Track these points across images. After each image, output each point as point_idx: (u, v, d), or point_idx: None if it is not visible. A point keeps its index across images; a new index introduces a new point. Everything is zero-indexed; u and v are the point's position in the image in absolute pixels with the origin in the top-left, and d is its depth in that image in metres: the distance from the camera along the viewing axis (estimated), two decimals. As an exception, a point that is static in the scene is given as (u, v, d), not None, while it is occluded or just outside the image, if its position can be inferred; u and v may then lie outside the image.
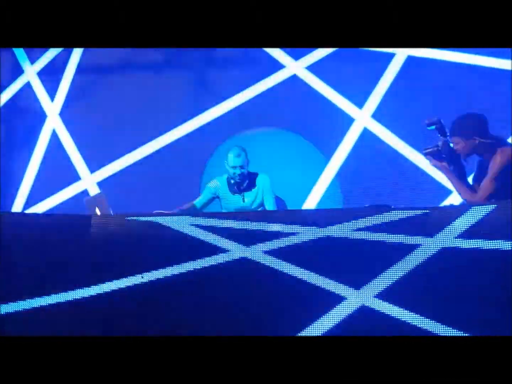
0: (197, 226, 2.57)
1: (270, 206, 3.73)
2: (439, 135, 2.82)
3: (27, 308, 2.49)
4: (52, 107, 5.00)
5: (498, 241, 2.35)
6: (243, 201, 3.67)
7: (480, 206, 2.47)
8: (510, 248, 2.33)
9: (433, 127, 2.82)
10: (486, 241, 2.36)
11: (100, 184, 4.82)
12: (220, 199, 3.75)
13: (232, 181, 3.69)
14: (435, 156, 2.84)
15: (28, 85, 5.10)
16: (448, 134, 2.84)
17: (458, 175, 2.84)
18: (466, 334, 2.25)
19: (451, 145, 2.84)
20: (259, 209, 3.69)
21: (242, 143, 3.96)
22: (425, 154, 2.90)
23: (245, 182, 3.68)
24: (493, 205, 2.45)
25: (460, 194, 2.85)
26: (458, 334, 2.26)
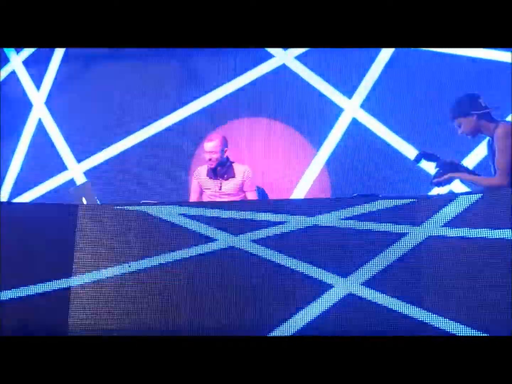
0: (185, 215, 2.56)
1: (250, 196, 3.74)
2: (432, 162, 2.92)
3: (13, 297, 2.47)
4: (38, 96, 4.94)
5: (484, 229, 2.37)
6: (220, 188, 3.68)
7: (467, 195, 2.49)
8: (495, 237, 2.35)
9: (422, 160, 2.93)
10: (472, 230, 2.38)
11: (86, 173, 4.78)
12: (201, 184, 3.78)
13: (208, 167, 3.73)
14: (443, 180, 2.90)
15: (13, 74, 5.03)
16: (438, 156, 2.94)
17: (467, 175, 2.90)
18: (453, 321, 2.27)
19: (446, 159, 2.94)
20: (236, 198, 3.69)
21: (231, 133, 3.94)
22: (436, 184, 2.95)
23: (220, 169, 3.70)
24: (479, 194, 2.47)
25: (482, 186, 2.88)
26: (444, 321, 2.28)
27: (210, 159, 3.68)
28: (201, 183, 3.78)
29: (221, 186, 3.69)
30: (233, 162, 3.79)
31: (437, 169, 2.90)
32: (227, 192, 3.70)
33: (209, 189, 3.74)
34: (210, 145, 3.70)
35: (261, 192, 3.95)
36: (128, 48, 3.84)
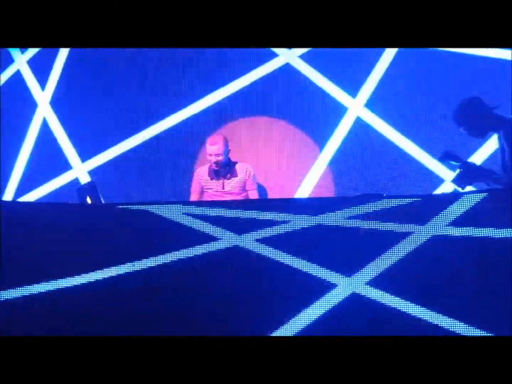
0: (189, 214, 2.56)
1: (252, 195, 3.77)
2: (455, 162, 3.03)
3: (17, 296, 2.48)
4: (42, 96, 4.96)
5: (488, 228, 2.36)
6: (223, 188, 3.71)
7: (471, 194, 2.48)
8: (500, 236, 2.34)
9: (446, 160, 3.06)
10: (477, 229, 2.37)
11: (91, 173, 4.79)
12: (203, 185, 3.79)
13: (211, 168, 3.75)
14: (464, 179, 2.99)
15: (18, 74, 5.05)
16: (461, 157, 3.04)
17: (489, 175, 2.99)
18: (457, 321, 2.26)
19: (469, 161, 3.06)
20: (239, 197, 3.71)
21: (234, 132, 3.95)
22: (457, 184, 3.04)
23: (223, 169, 3.72)
24: (484, 193, 2.46)
25: (501, 184, 2.93)
26: (449, 321, 2.27)
27: (216, 162, 3.69)
28: (202, 184, 3.80)
29: (223, 186, 3.71)
30: (235, 162, 3.80)
31: (460, 169, 2.99)
32: (230, 191, 3.72)
33: (211, 188, 3.75)
34: (214, 148, 3.71)
35: (262, 190, 3.97)
36: (131, 48, 3.85)
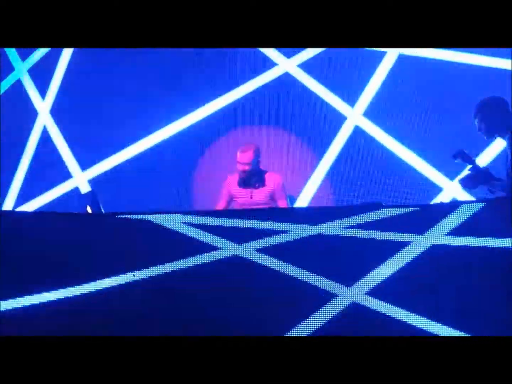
0: (189, 224, 2.57)
1: (283, 204, 3.74)
2: (467, 163, 3.01)
3: (17, 306, 2.48)
4: (43, 105, 4.98)
5: (487, 238, 2.38)
6: (251, 197, 3.68)
7: (470, 204, 2.49)
8: (499, 245, 2.35)
9: (459, 159, 3.02)
10: (475, 239, 2.38)
11: (91, 182, 4.80)
12: (232, 193, 3.77)
13: (239, 177, 3.73)
14: (470, 182, 2.99)
15: (18, 83, 5.07)
16: (474, 160, 3.02)
17: (496, 182, 2.97)
18: (457, 331, 2.27)
19: (480, 165, 3.03)
20: (267, 206, 3.68)
21: (232, 142, 3.96)
22: (462, 185, 3.04)
23: (252, 179, 3.71)
24: (483, 203, 2.47)
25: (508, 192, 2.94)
26: (448, 330, 2.28)
27: (244, 170, 3.68)
28: (232, 192, 3.77)
29: (251, 195, 3.69)
30: (265, 171, 3.79)
31: (469, 172, 2.98)
32: (258, 201, 3.69)
33: (240, 198, 3.73)
34: (244, 156, 3.70)
35: (291, 200, 3.93)
36: (129, 48, 3.82)
